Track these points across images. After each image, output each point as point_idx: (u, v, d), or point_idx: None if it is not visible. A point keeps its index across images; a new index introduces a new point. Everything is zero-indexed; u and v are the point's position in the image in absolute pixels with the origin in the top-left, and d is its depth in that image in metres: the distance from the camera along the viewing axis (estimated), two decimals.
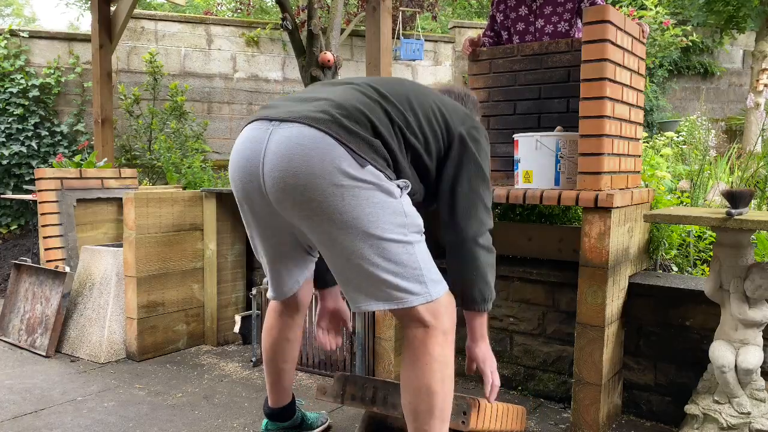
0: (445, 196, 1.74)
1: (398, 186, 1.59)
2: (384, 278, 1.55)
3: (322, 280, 2.04)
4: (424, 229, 1.66)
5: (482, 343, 1.89)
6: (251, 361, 2.98)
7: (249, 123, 1.68)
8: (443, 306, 1.63)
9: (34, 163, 5.42)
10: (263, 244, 1.84)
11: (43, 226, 3.57)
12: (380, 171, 1.54)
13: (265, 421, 2.16)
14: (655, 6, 6.33)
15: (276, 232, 1.79)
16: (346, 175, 1.49)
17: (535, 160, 2.30)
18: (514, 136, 2.40)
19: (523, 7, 2.94)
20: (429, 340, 1.61)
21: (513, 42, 2.99)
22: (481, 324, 1.85)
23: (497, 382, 1.91)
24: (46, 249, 3.56)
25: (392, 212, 1.55)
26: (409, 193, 1.64)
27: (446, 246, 1.80)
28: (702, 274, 2.58)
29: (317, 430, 2.26)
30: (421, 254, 1.62)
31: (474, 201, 1.73)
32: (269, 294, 1.99)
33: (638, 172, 2.60)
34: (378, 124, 1.56)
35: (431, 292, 1.61)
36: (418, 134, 1.65)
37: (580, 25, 2.87)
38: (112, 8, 4.28)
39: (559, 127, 2.51)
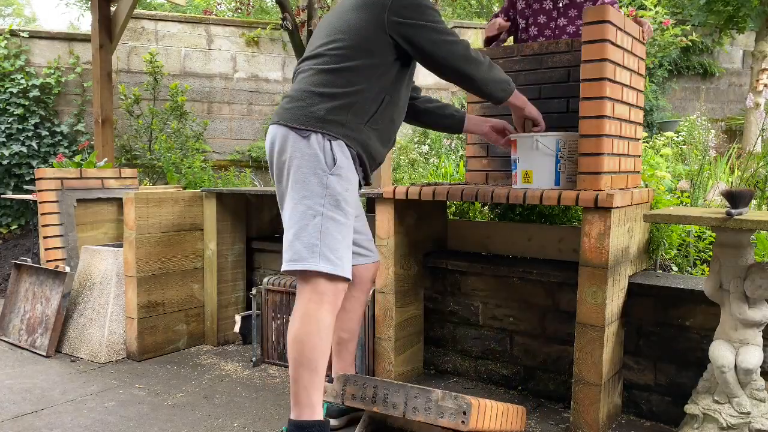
0: (431, 69, 2.03)
1: (332, 157, 1.87)
2: (294, 236, 1.90)
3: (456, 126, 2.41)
4: (348, 209, 1.92)
5: (528, 106, 2.30)
6: (251, 361, 2.98)
7: None
8: (324, 277, 1.86)
9: (34, 163, 5.42)
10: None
11: (43, 226, 3.57)
12: (320, 134, 1.88)
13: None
14: (655, 6, 6.33)
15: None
16: (285, 150, 1.91)
17: (535, 160, 2.29)
18: (510, 136, 2.40)
19: (548, 1, 2.91)
20: (305, 298, 1.87)
21: (529, 33, 2.96)
22: (518, 98, 2.24)
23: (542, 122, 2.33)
24: (46, 249, 3.56)
25: (316, 183, 1.86)
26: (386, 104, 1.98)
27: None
28: (702, 274, 2.58)
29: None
30: (326, 228, 1.87)
31: (449, 51, 1.97)
32: None
33: (638, 172, 2.60)
34: (315, 89, 1.91)
35: (319, 264, 1.85)
36: (349, 54, 1.92)
37: None
38: (112, 8, 4.28)
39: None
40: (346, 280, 1.91)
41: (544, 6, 2.93)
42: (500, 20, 2.90)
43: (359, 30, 1.92)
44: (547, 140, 2.26)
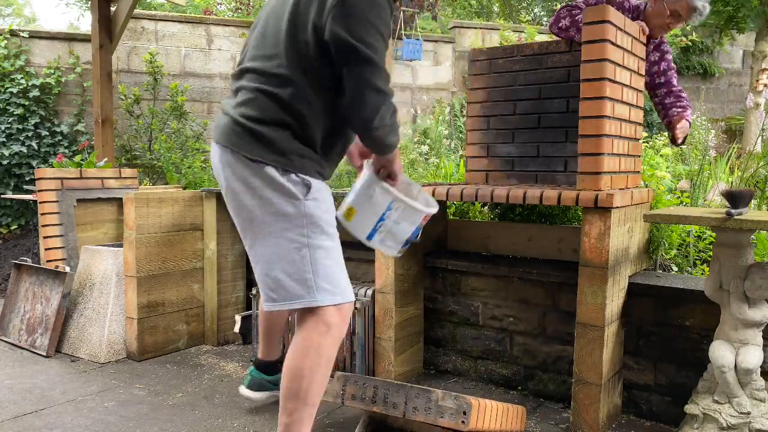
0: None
1: (302, 182, 1.72)
2: (276, 275, 1.77)
3: None
4: (332, 231, 1.80)
5: (397, 159, 1.89)
6: (251, 361, 2.98)
7: None
8: (329, 309, 1.75)
9: (34, 163, 5.42)
10: None
11: (43, 226, 3.57)
12: (274, 167, 1.70)
13: (251, 367, 2.42)
14: None
15: None
16: (239, 180, 1.76)
17: (365, 203, 1.94)
18: (365, 161, 2.00)
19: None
20: (310, 327, 1.74)
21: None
22: (394, 158, 1.86)
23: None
24: (46, 249, 3.56)
25: (288, 215, 1.73)
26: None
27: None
28: (702, 274, 2.58)
29: None
30: (315, 259, 1.75)
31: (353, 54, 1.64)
32: None
33: (638, 172, 2.60)
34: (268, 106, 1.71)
35: (318, 299, 1.74)
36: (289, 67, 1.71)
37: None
38: (112, 8, 4.28)
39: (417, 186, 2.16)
40: (351, 302, 1.82)
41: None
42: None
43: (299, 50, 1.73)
44: (384, 196, 1.93)
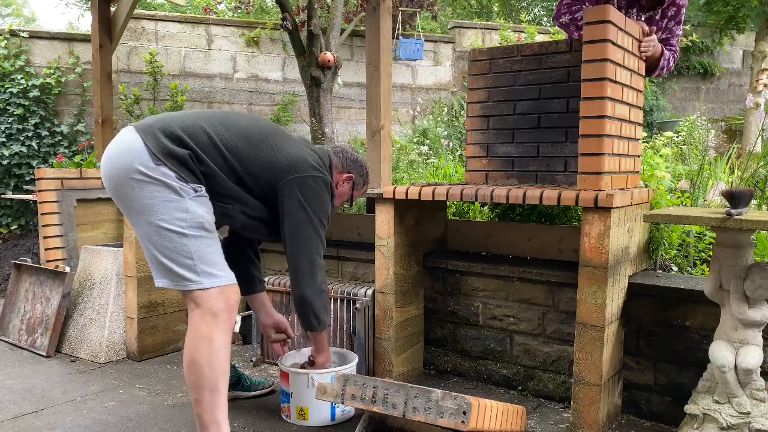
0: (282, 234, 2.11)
1: (193, 189, 1.88)
2: (162, 261, 1.86)
3: (244, 287, 2.29)
4: (211, 229, 1.93)
5: (323, 353, 2.30)
6: (251, 361, 2.98)
7: None
8: (212, 294, 1.87)
9: (34, 163, 5.42)
10: None
11: (43, 226, 3.57)
12: (174, 173, 1.85)
13: None
14: None
15: None
16: (137, 171, 1.84)
17: (311, 398, 2.24)
18: (281, 368, 2.35)
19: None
20: (197, 318, 1.86)
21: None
22: (321, 339, 2.26)
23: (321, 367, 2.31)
24: (46, 249, 3.56)
25: (174, 207, 1.85)
26: (225, 202, 1.99)
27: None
28: (702, 274, 2.58)
29: (255, 392, 2.57)
30: (196, 247, 1.87)
31: (299, 246, 2.07)
32: None
33: (638, 172, 2.60)
34: (192, 143, 1.90)
35: (203, 281, 1.86)
36: (240, 170, 1.98)
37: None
38: (112, 8, 4.28)
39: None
40: (234, 286, 1.93)
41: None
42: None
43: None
44: (323, 378, 2.22)
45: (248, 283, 2.36)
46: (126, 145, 1.88)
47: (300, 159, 2.08)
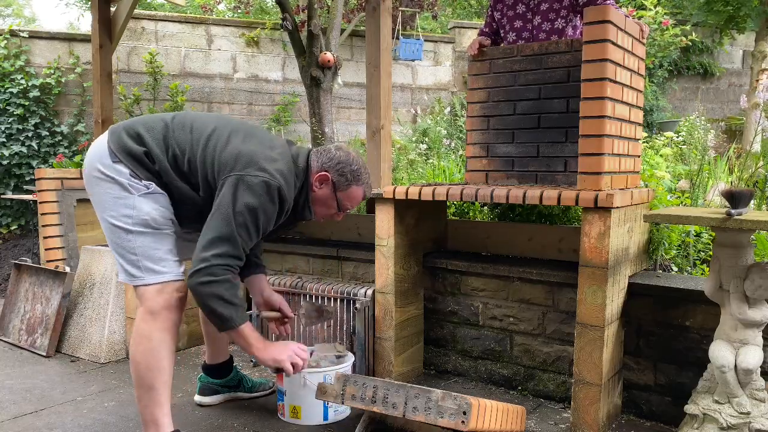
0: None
1: (145, 186, 1.93)
2: (115, 257, 1.97)
3: (241, 272, 2.17)
4: (159, 226, 1.95)
5: (254, 351, 2.02)
6: (251, 361, 2.98)
7: None
8: (152, 292, 1.91)
9: (34, 163, 5.42)
10: None
11: (43, 226, 3.57)
12: (128, 170, 1.92)
13: (201, 374, 2.51)
14: (655, 6, 6.32)
15: None
16: (97, 169, 1.94)
17: (304, 397, 2.26)
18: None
19: (520, 5, 2.92)
20: (138, 317, 1.93)
21: (508, 39, 2.98)
22: (241, 337, 1.97)
23: (284, 366, 2.08)
24: (46, 249, 3.56)
25: (122, 204, 1.92)
26: (181, 200, 1.99)
27: None
28: (702, 274, 2.58)
29: (256, 393, 2.56)
30: (140, 244, 1.93)
31: (207, 233, 1.90)
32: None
33: (638, 172, 2.60)
34: (149, 140, 1.95)
35: (145, 278, 1.92)
36: (190, 163, 1.97)
37: (577, 23, 2.86)
38: (112, 8, 4.28)
39: (338, 343, 2.56)
40: (177, 282, 1.94)
41: (517, 11, 2.92)
42: (481, 39, 2.91)
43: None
44: (315, 378, 2.21)
45: (244, 267, 2.19)
46: (95, 145, 2.00)
47: (246, 156, 1.92)
